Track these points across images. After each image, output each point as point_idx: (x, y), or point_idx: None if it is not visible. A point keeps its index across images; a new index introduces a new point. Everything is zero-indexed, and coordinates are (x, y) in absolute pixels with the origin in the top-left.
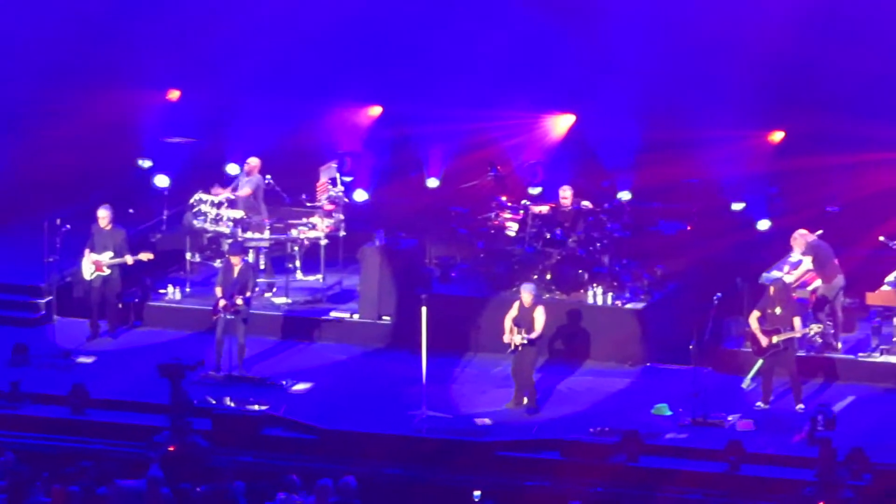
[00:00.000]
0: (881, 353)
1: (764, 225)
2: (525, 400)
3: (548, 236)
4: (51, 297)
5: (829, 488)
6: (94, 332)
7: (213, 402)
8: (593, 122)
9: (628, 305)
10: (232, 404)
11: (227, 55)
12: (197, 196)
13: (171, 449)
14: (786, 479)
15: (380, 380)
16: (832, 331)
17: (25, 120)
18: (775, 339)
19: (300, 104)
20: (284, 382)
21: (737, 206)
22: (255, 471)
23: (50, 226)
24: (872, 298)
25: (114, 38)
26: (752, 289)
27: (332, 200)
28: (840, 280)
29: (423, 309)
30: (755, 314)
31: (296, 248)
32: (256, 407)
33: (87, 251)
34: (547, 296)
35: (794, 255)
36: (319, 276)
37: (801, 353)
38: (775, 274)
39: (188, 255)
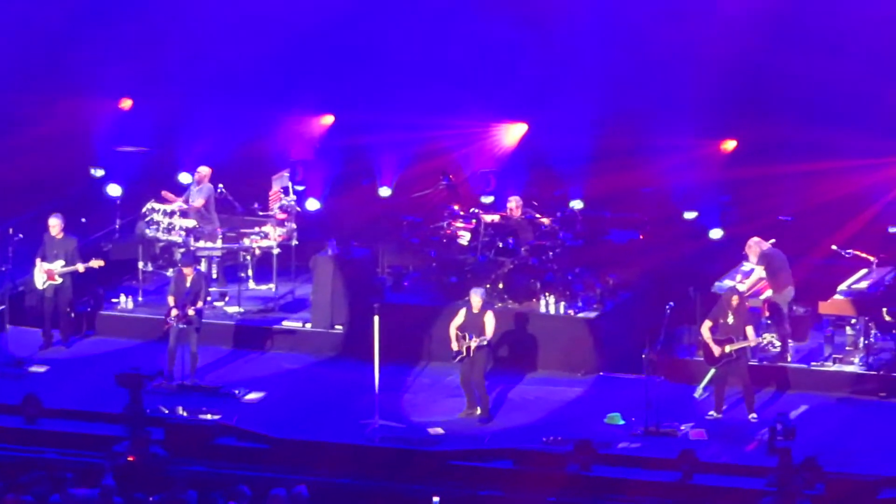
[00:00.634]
0: (834, 363)
1: (716, 234)
2: (478, 410)
3: (500, 245)
4: (3, 307)
5: (787, 497)
6: (46, 342)
7: (166, 411)
8: (546, 130)
9: (581, 314)
10: (185, 413)
11: (178, 64)
12: (149, 205)
13: (131, 459)
14: (738, 488)
15: (332, 389)
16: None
17: None
18: (728, 349)
19: (252, 113)
20: (237, 392)
21: (689, 215)
22: (208, 480)
23: (1, 234)
24: (825, 307)
25: (66, 46)
26: (704, 298)
27: (284, 209)
28: (790, 291)
29: (376, 318)
30: (707, 323)
31: (248, 258)
32: (209, 416)
33: (38, 260)
34: (499, 305)
35: (747, 265)
36: (272, 286)
37: (754, 363)
38: (728, 283)
39: (140, 265)
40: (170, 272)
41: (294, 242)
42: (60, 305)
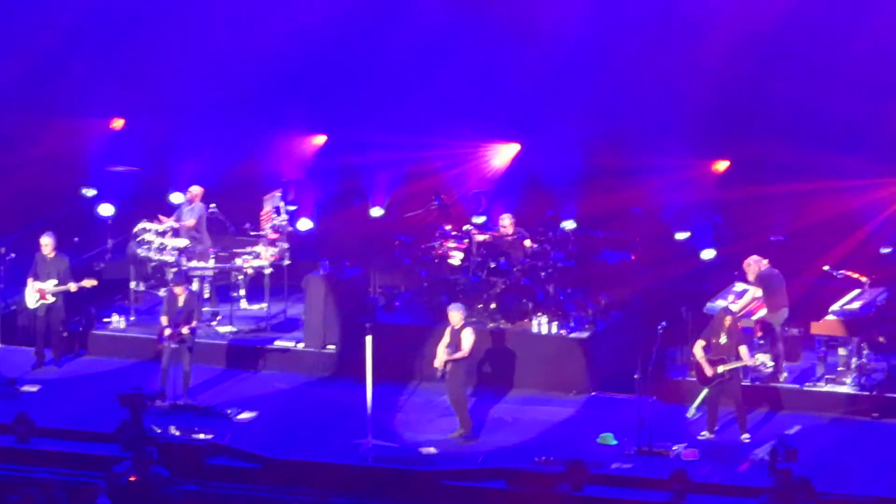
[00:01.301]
0: (826, 383)
1: (708, 254)
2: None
3: (492, 265)
4: None
5: None
6: (38, 361)
7: (159, 430)
8: (538, 151)
9: (573, 335)
10: (177, 433)
11: (170, 84)
12: (141, 225)
13: (133, 479)
14: None
15: (325, 409)
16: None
17: None
18: (720, 369)
19: (244, 132)
20: (229, 411)
21: (681, 236)
22: (201, 500)
23: None
24: (817, 328)
25: (58, 66)
26: (696, 318)
27: (276, 229)
28: (785, 312)
29: (368, 338)
30: (700, 343)
31: (240, 277)
32: (201, 436)
33: (30, 279)
34: (491, 325)
35: (739, 285)
36: (264, 305)
37: (746, 383)
38: (720, 303)
39: (132, 284)
40: (162, 292)
41: (286, 262)
42: (53, 324)
